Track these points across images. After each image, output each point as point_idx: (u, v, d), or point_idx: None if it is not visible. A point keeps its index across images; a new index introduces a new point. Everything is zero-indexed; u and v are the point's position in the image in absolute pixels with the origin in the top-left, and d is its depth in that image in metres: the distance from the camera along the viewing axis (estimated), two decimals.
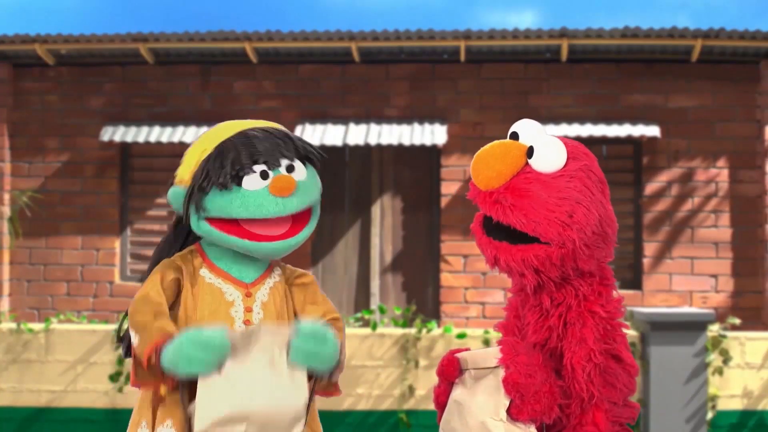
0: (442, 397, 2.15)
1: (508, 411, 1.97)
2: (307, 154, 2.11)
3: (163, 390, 1.94)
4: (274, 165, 2.04)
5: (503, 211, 2.00)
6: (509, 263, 2.05)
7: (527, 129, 2.10)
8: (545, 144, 2.04)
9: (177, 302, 2.08)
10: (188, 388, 1.94)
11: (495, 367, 2.03)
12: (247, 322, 2.06)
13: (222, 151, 2.04)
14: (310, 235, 2.15)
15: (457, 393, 2.10)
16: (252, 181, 2.02)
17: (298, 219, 2.11)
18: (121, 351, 2.22)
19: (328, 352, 1.96)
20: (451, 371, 2.11)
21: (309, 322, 2.00)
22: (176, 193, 2.09)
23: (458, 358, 2.12)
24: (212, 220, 2.05)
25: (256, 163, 2.03)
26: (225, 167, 2.02)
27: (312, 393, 2.02)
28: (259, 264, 2.14)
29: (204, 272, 2.11)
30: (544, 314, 2.09)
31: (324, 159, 2.16)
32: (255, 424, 1.90)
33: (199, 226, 2.08)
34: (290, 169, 2.07)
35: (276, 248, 2.08)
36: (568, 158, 2.05)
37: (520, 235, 2.02)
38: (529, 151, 2.04)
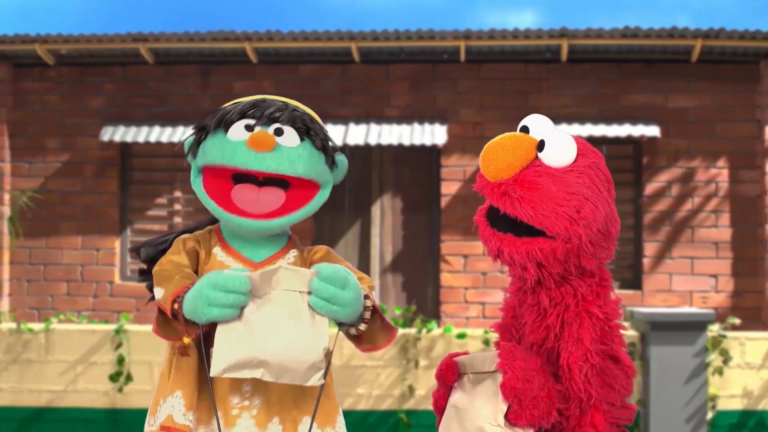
0: (441, 401, 2.14)
1: (506, 416, 1.96)
2: (303, 124, 2.11)
3: (186, 340, 1.92)
4: (261, 122, 2.07)
5: (511, 202, 1.98)
6: (513, 256, 2.02)
7: (538, 123, 2.10)
8: (557, 138, 2.04)
9: (196, 271, 2.10)
10: (209, 340, 1.92)
11: (493, 371, 2.02)
12: None
13: (225, 107, 2.13)
14: (292, 222, 2.11)
15: (456, 398, 2.09)
16: (236, 131, 2.06)
17: (289, 204, 2.09)
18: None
19: (348, 295, 1.90)
20: (449, 376, 2.11)
21: (329, 265, 1.94)
22: (188, 141, 2.16)
23: (457, 362, 2.11)
24: (206, 182, 2.09)
25: (245, 117, 2.07)
26: (217, 115, 2.09)
27: (336, 340, 1.98)
28: (273, 245, 2.14)
29: (217, 250, 2.13)
30: (542, 313, 2.08)
31: (320, 135, 2.15)
32: (271, 369, 1.87)
33: (195, 184, 2.13)
34: (279, 132, 2.08)
35: (247, 225, 2.07)
36: (577, 154, 2.05)
37: (525, 228, 2.00)
38: (540, 145, 2.04)
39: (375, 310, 2.00)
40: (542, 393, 1.95)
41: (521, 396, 1.94)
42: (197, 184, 2.12)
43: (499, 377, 1.98)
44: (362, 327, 1.99)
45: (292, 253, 2.16)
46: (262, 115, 2.07)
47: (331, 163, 2.17)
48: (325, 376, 1.93)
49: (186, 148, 2.17)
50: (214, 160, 2.06)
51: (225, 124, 2.07)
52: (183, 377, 2.00)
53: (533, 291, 2.10)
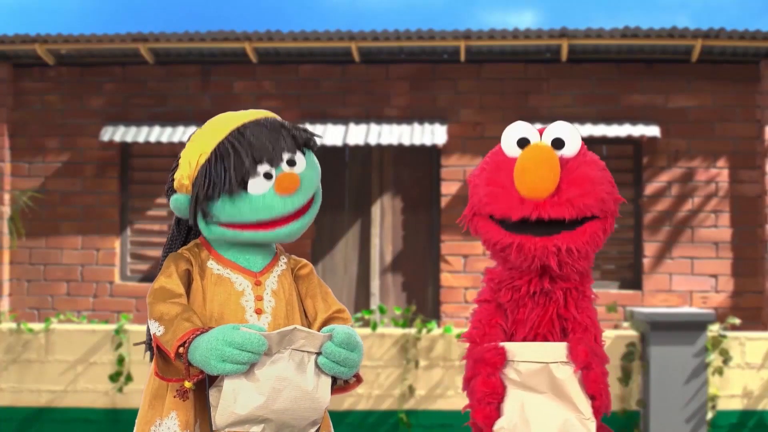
0: (483, 386, 2.04)
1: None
2: (305, 142, 2.11)
3: (188, 384, 1.91)
4: (276, 163, 2.03)
5: (574, 205, 2.02)
6: (573, 248, 2.06)
7: (528, 129, 2.12)
8: (567, 131, 2.10)
9: (188, 293, 2.07)
10: (211, 381, 1.93)
11: (547, 362, 2.02)
12: (258, 311, 2.06)
13: (222, 155, 2.02)
14: (316, 213, 2.16)
15: (515, 386, 2.04)
16: (257, 185, 2.02)
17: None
18: (145, 351, 2.19)
19: (356, 358, 1.98)
20: (500, 360, 2.05)
21: (343, 328, 1.99)
22: (179, 201, 2.08)
23: (506, 348, 2.07)
24: (221, 223, 2.06)
25: (259, 163, 2.02)
26: (229, 172, 2.00)
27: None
28: (265, 253, 2.14)
29: (212, 264, 2.10)
30: (546, 301, 2.11)
31: (319, 139, 2.17)
32: (273, 425, 1.91)
33: (210, 230, 2.08)
34: (291, 163, 2.06)
35: (290, 231, 2.08)
36: None
37: (546, 225, 2.05)
38: (557, 143, 2.07)
39: None
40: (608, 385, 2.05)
41: (604, 389, 2.01)
42: (211, 228, 2.07)
43: (563, 369, 2.00)
44: (352, 380, 2.07)
45: (283, 260, 2.18)
46: (275, 156, 2.03)
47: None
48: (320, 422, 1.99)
49: (182, 208, 2.08)
50: (248, 219, 2.03)
51: (242, 183, 2.01)
52: (180, 405, 2.00)
53: (532, 290, 2.11)
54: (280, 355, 1.91)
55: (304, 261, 2.22)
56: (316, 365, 1.94)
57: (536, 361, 2.05)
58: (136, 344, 2.22)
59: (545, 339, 2.11)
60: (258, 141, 2.03)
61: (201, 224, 2.08)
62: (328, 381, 1.96)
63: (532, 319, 2.12)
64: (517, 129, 2.14)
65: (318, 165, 2.16)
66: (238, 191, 2.00)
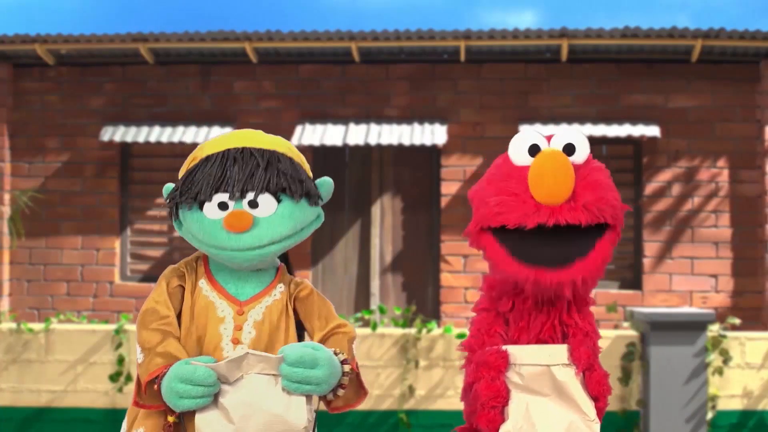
0: (487, 390, 2.03)
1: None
2: (279, 188, 2.04)
3: (170, 419, 1.96)
4: (234, 197, 2.01)
5: (589, 209, 2.02)
6: (591, 276, 2.06)
7: (536, 136, 2.12)
8: (578, 138, 2.10)
9: (181, 309, 2.09)
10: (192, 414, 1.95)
11: (548, 365, 2.03)
12: (234, 341, 2.04)
13: (199, 168, 2.05)
14: (281, 251, 2.10)
15: (520, 394, 2.04)
16: (211, 210, 2.02)
17: None
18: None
19: (320, 374, 1.92)
20: (503, 363, 2.04)
21: (295, 347, 1.95)
22: (166, 189, 2.13)
23: (508, 351, 2.06)
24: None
25: (217, 191, 2.01)
26: (193, 186, 2.03)
27: (316, 413, 2.00)
28: (259, 281, 2.12)
29: (202, 284, 2.10)
30: (549, 308, 2.12)
31: (302, 196, 2.08)
32: None
33: (179, 227, 2.11)
34: (253, 204, 2.02)
35: (247, 257, 2.04)
36: None
37: (560, 251, 2.04)
38: (569, 149, 2.08)
39: (353, 370, 2.04)
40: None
41: (606, 391, 2.01)
42: (184, 232, 2.11)
43: (564, 371, 2.00)
44: (340, 392, 2.02)
45: (279, 289, 2.14)
46: (234, 189, 2.00)
47: (317, 198, 2.13)
48: None
49: (165, 198, 2.13)
50: (197, 236, 2.05)
51: (198, 202, 2.03)
52: (150, 414, 2.04)
53: (539, 299, 2.13)
54: (243, 381, 1.92)
55: (305, 283, 2.19)
56: (283, 387, 1.93)
57: (538, 363, 2.05)
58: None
59: (546, 343, 2.11)
60: (227, 169, 2.03)
61: (175, 222, 2.12)
62: (301, 401, 1.93)
63: (536, 326, 2.12)
64: (526, 136, 2.12)
65: (300, 217, 2.09)
66: (189, 206, 2.04)
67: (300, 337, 2.17)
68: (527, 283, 2.07)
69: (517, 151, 2.11)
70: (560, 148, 2.08)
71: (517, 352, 2.06)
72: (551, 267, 2.04)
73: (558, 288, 2.05)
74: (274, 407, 1.90)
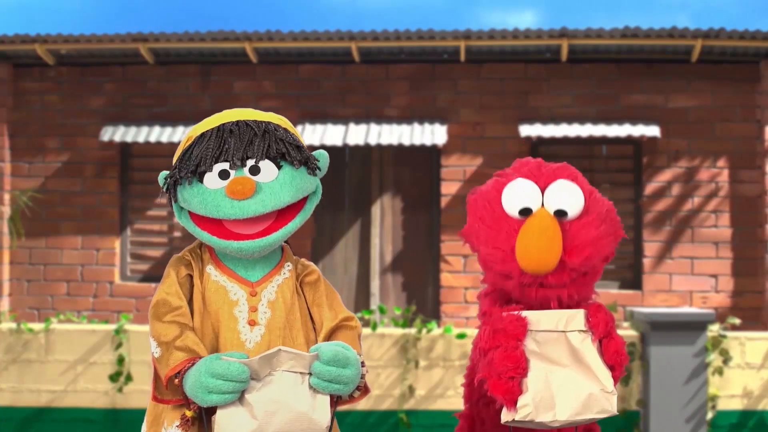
0: (507, 360, 2.01)
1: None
2: (278, 154, 2.04)
3: (189, 413, 1.93)
4: (236, 165, 2.00)
5: (584, 271, 2.07)
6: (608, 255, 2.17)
7: (530, 194, 2.11)
8: (570, 198, 2.11)
9: (191, 297, 2.06)
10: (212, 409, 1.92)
11: (564, 331, 2.01)
12: (251, 322, 2.03)
13: (196, 143, 2.04)
14: (290, 233, 2.07)
15: (540, 364, 2.02)
16: (211, 180, 2.01)
17: (283, 215, 2.05)
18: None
19: (349, 374, 1.92)
20: (522, 332, 2.03)
21: (330, 345, 1.95)
22: (162, 175, 2.12)
23: (527, 317, 2.05)
24: (192, 214, 2.06)
25: (217, 161, 2.00)
26: (191, 160, 2.02)
27: (334, 413, 1.98)
28: (267, 262, 2.11)
29: (210, 269, 2.09)
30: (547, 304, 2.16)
31: (303, 162, 2.06)
32: None
33: (180, 217, 2.09)
34: (254, 170, 2.01)
35: (246, 247, 2.01)
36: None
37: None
38: (560, 214, 2.09)
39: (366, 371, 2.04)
40: None
41: (624, 361, 2.02)
42: (184, 220, 2.08)
43: (580, 336, 1.99)
44: (356, 394, 2.03)
45: (287, 268, 2.13)
46: (233, 157, 2.00)
47: (314, 168, 2.10)
48: None
49: (161, 185, 2.10)
50: (198, 211, 2.02)
51: (199, 174, 2.01)
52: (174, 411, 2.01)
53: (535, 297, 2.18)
54: (271, 377, 1.90)
55: (312, 267, 2.18)
56: (310, 385, 1.91)
57: (554, 330, 2.03)
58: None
59: None
60: (228, 140, 2.02)
61: (175, 207, 2.09)
62: (326, 399, 1.92)
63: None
64: (518, 194, 2.11)
65: (301, 182, 2.06)
66: (189, 180, 2.01)
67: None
68: (515, 293, 2.10)
69: (509, 206, 2.11)
70: (552, 211, 2.07)
71: (534, 317, 2.05)
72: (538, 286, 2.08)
73: (544, 301, 2.07)
74: (300, 405, 1.89)
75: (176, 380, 1.91)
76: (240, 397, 1.87)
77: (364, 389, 2.06)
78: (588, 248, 2.04)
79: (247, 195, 1.97)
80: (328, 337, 2.07)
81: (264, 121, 2.08)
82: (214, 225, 2.02)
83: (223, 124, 2.05)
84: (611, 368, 2.01)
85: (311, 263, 2.20)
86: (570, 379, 1.99)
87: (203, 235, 2.04)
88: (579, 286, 2.07)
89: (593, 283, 2.12)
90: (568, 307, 2.10)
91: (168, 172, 2.10)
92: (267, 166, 2.02)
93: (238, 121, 2.05)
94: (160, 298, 2.02)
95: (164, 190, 2.09)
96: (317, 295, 2.13)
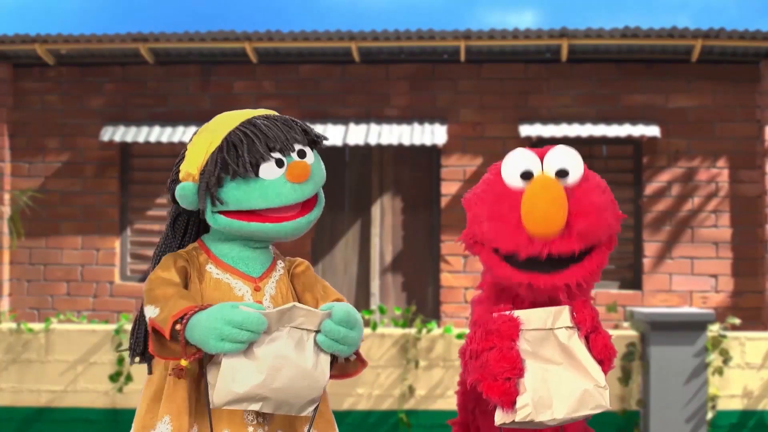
0: (503, 361, 1.99)
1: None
2: (315, 138, 2.13)
3: (184, 362, 1.89)
4: (288, 152, 2.04)
5: (583, 238, 2.00)
6: (586, 279, 2.05)
7: (530, 158, 2.09)
8: (571, 160, 2.07)
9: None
10: (208, 357, 1.92)
11: (552, 328, 2.00)
12: None
13: (233, 142, 2.02)
14: (320, 212, 2.16)
15: (535, 363, 2.01)
16: (269, 170, 2.02)
17: (307, 200, 2.11)
18: (126, 355, 2.21)
19: (356, 335, 1.97)
20: (515, 332, 2.02)
21: (342, 305, 1.98)
22: (186, 189, 2.04)
23: (518, 317, 2.04)
24: (228, 212, 2.04)
25: (272, 150, 2.02)
26: (242, 156, 2.00)
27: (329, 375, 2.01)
28: (264, 258, 2.14)
29: (211, 268, 2.09)
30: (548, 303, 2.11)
31: (325, 140, 2.18)
32: (271, 403, 1.91)
33: (215, 219, 2.05)
34: (302, 154, 2.07)
35: (296, 227, 2.07)
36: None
37: (557, 263, 2.03)
38: (561, 174, 2.05)
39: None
40: None
41: (613, 354, 2.00)
42: (217, 218, 2.05)
43: (566, 333, 1.98)
44: (352, 357, 2.05)
45: (280, 265, 2.18)
46: (287, 145, 2.05)
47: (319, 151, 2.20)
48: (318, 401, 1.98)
49: (189, 195, 2.04)
50: (258, 205, 2.02)
51: (254, 167, 2.01)
52: (172, 403, 1.99)
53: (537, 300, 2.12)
54: (278, 333, 1.90)
55: (300, 259, 2.22)
56: (315, 343, 1.93)
57: (542, 328, 2.02)
58: (118, 350, 2.22)
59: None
60: (270, 130, 2.05)
61: (208, 213, 2.05)
62: (327, 359, 1.95)
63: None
64: (518, 160, 2.09)
65: (322, 164, 2.17)
66: (251, 174, 2.00)
67: None
68: (521, 287, 2.06)
69: (510, 173, 2.08)
70: (552, 174, 2.05)
71: (524, 316, 2.04)
72: (545, 271, 2.02)
73: (552, 291, 2.04)
74: (304, 362, 1.91)
75: (178, 325, 1.87)
76: (247, 349, 1.87)
77: (361, 362, 2.08)
78: (593, 213, 2.01)
79: (307, 176, 2.03)
80: None
81: (270, 114, 2.13)
82: (254, 216, 2.04)
83: (248, 120, 2.07)
84: (600, 363, 2.00)
85: (297, 257, 2.25)
86: (564, 377, 1.99)
87: (254, 227, 2.04)
88: (586, 270, 2.03)
89: (599, 268, 2.07)
90: (577, 296, 2.09)
91: (190, 183, 2.04)
92: (308, 150, 2.10)
93: (258, 117, 2.09)
94: (156, 276, 2.02)
95: (204, 197, 2.03)
96: (308, 281, 2.17)
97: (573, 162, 2.06)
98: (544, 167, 2.06)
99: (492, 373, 2.00)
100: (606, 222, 2.03)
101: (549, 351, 2.01)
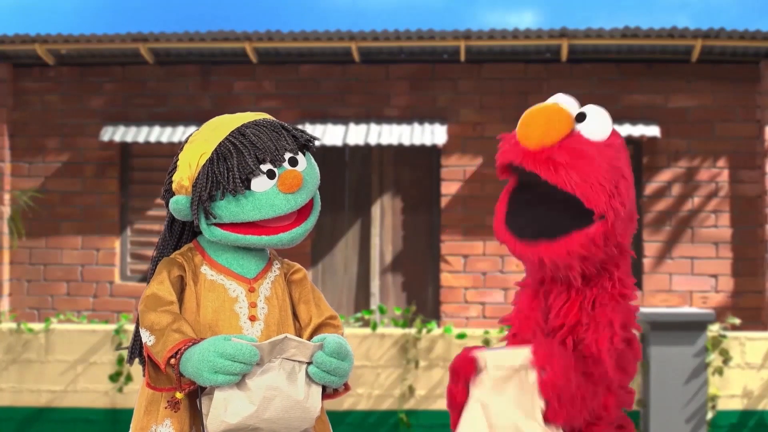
0: (459, 396, 2.00)
1: (543, 414, 1.89)
2: (305, 142, 2.11)
3: (179, 395, 1.93)
4: (278, 162, 2.03)
5: (555, 168, 1.89)
6: (555, 261, 1.94)
7: (567, 100, 2.08)
8: (596, 111, 2.02)
9: (182, 299, 2.07)
10: (201, 388, 1.93)
11: (520, 367, 1.95)
12: (252, 318, 2.06)
13: (223, 154, 2.01)
14: (316, 219, 2.17)
15: (480, 394, 1.98)
16: (260, 183, 2.02)
17: (303, 206, 2.11)
18: (126, 355, 2.21)
19: (347, 366, 1.99)
20: (470, 370, 2.00)
21: (334, 338, 2.00)
22: (180, 203, 2.05)
23: (476, 356, 2.01)
24: (224, 225, 2.05)
25: (262, 162, 2.02)
26: (232, 171, 1.99)
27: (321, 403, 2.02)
28: (259, 259, 2.14)
29: (205, 269, 2.10)
30: (573, 296, 2.02)
31: (317, 141, 2.17)
32: None
33: (212, 232, 2.06)
34: (293, 162, 2.06)
35: (293, 236, 2.09)
36: (612, 131, 2.01)
37: (556, 224, 1.93)
38: (580, 116, 2.00)
39: None
40: (579, 392, 1.90)
41: (561, 394, 1.88)
42: (213, 230, 2.06)
43: (531, 374, 1.91)
44: (341, 389, 2.06)
45: (276, 265, 2.18)
46: (278, 155, 2.03)
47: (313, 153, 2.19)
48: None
49: (183, 209, 2.04)
50: (252, 217, 2.02)
51: (245, 182, 2.01)
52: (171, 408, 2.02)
53: (565, 277, 2.02)
54: (270, 364, 1.91)
55: (297, 266, 2.23)
56: (307, 375, 1.95)
57: (507, 366, 1.99)
58: (118, 348, 2.24)
59: (571, 330, 2.03)
60: (260, 140, 2.03)
61: (203, 225, 2.06)
62: (319, 390, 1.97)
63: (557, 305, 2.04)
64: (557, 97, 2.08)
65: (316, 166, 2.15)
66: (241, 190, 2.00)
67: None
68: (513, 253, 2.04)
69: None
70: (573, 113, 2.03)
71: (488, 355, 1.99)
72: (520, 238, 1.98)
73: (528, 262, 2.00)
74: (296, 393, 1.92)
75: (173, 360, 1.90)
76: (239, 381, 1.89)
77: (346, 388, 2.09)
78: (580, 160, 1.91)
79: (300, 186, 2.03)
80: (314, 333, 2.11)
81: (260, 119, 2.11)
82: (251, 228, 2.04)
83: (238, 129, 2.05)
84: (546, 403, 1.89)
85: (295, 263, 2.25)
86: (504, 411, 1.94)
87: (250, 239, 2.05)
88: (571, 243, 1.95)
89: (587, 248, 1.93)
90: (590, 277, 2.04)
91: (183, 197, 2.04)
92: (299, 156, 2.09)
93: (248, 123, 2.07)
94: (151, 292, 2.03)
95: (196, 212, 2.03)
96: (304, 292, 2.17)
97: (595, 115, 2.01)
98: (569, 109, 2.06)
99: (447, 405, 2.05)
100: (589, 179, 1.89)
101: (509, 388, 1.96)
